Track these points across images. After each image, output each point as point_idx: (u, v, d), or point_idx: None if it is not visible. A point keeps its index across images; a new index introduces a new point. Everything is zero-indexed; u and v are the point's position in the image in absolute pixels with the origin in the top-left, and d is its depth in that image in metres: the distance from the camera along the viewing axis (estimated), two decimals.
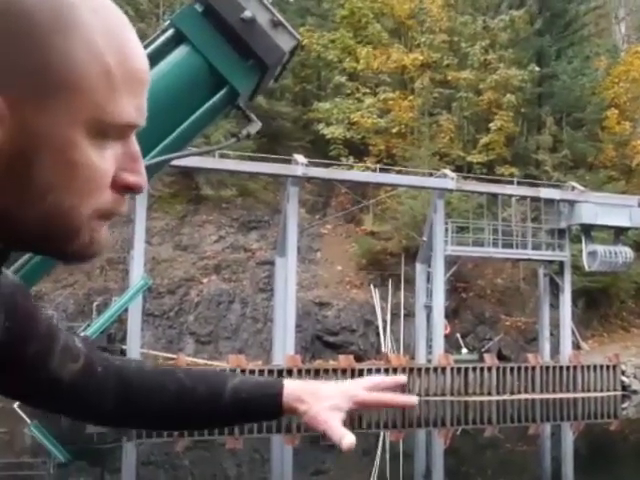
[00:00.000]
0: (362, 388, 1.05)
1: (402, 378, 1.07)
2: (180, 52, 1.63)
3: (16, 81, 0.55)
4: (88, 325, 21.90)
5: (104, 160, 0.60)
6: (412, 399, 1.05)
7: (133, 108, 0.60)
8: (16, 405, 19.05)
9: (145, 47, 1.71)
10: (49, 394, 0.91)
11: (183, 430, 1.12)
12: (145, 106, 0.62)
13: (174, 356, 23.02)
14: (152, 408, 0.99)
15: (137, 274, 22.19)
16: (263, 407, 1.02)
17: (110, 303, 22.99)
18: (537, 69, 33.39)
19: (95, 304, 23.87)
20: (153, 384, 0.99)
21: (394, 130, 32.00)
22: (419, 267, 26.37)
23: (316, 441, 18.52)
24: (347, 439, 1.01)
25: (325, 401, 1.02)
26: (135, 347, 22.00)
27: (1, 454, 15.30)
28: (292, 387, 1.03)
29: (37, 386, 0.89)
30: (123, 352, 22.06)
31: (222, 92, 1.65)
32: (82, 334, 21.24)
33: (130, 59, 0.60)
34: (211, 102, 1.64)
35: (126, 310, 22.15)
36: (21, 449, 16.41)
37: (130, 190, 0.63)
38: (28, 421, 18.65)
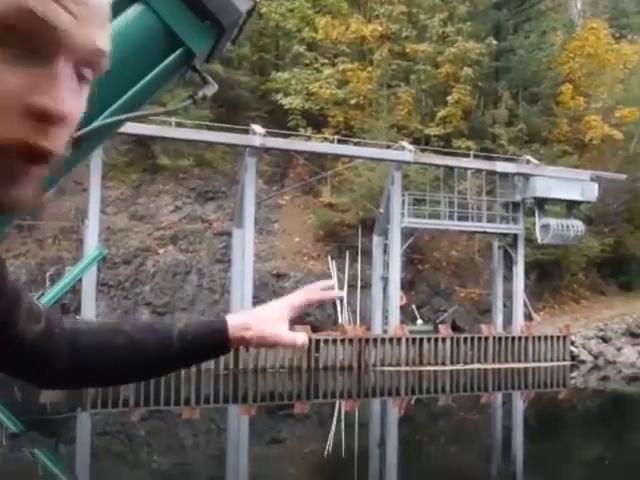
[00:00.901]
0: (297, 296, 1.12)
1: (331, 281, 1.20)
2: (134, 11, 1.58)
3: None
4: (41, 295, 21.55)
5: (12, 81, 0.52)
6: (337, 293, 1.19)
7: (43, 5, 0.51)
8: None
9: None
10: (11, 354, 0.91)
11: (134, 382, 1.13)
12: (83, 25, 0.54)
13: None
14: (104, 365, 1.01)
15: (92, 244, 21.88)
16: (212, 344, 1.05)
17: (63, 273, 22.66)
18: (495, 43, 33.58)
19: (48, 274, 23.50)
20: (102, 341, 1.00)
21: (352, 101, 31.93)
22: (376, 239, 26.55)
23: (272, 411, 18.68)
24: (299, 338, 1.08)
25: (267, 320, 1.07)
26: (90, 318, 21.74)
27: None
28: (236, 319, 1.07)
29: (1, 345, 0.89)
30: None
31: (177, 53, 1.62)
32: None
33: None
34: (166, 63, 1.60)
35: (80, 280, 21.86)
36: None
37: (46, 117, 0.53)
38: None
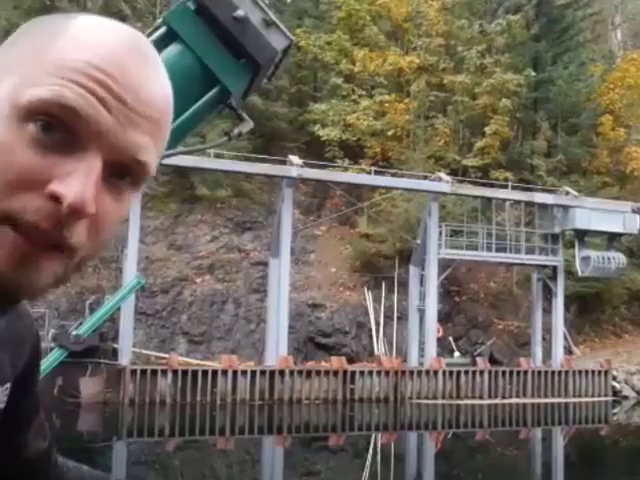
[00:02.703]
0: None
1: None
2: (172, 50, 1.63)
3: None
4: (80, 324, 21.82)
5: (36, 159, 0.54)
6: None
7: (72, 92, 0.54)
8: None
9: None
10: (9, 463, 0.85)
11: None
12: (127, 130, 0.56)
13: (166, 355, 22.97)
14: None
15: (130, 273, 22.13)
16: None
17: (103, 302, 22.93)
18: (533, 74, 33.49)
19: (88, 302, 23.80)
20: None
21: (389, 133, 32.04)
22: (412, 270, 26.38)
23: (307, 443, 18.53)
24: None
25: None
26: (127, 346, 21.94)
27: None
28: None
29: (6, 449, 0.83)
30: (115, 351, 22.01)
31: (214, 91, 1.65)
32: (74, 333, 21.19)
33: (101, 51, 0.57)
34: (202, 101, 1.64)
35: (119, 309, 22.08)
36: None
37: (58, 202, 0.54)
38: None
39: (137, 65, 0.58)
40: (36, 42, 0.57)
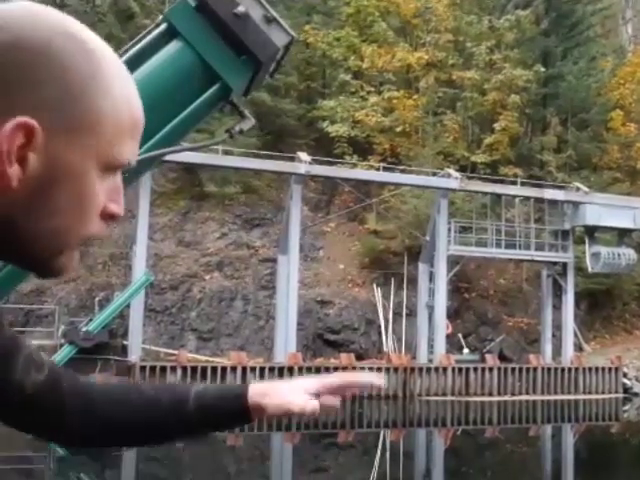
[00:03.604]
0: (334, 377, 1.11)
1: (378, 381, 1.12)
2: (173, 47, 1.61)
3: (54, 116, 0.64)
4: (90, 320, 21.92)
5: (101, 191, 0.69)
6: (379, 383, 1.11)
7: (132, 150, 0.70)
8: None
9: (138, 41, 1.69)
10: (8, 403, 0.91)
11: (151, 444, 1.10)
12: (137, 148, 0.72)
13: (175, 352, 23.04)
14: (118, 423, 0.99)
15: (139, 270, 22.20)
16: (229, 410, 1.02)
17: (112, 298, 23.02)
18: (542, 69, 33.31)
19: (97, 299, 23.90)
20: (118, 398, 1.00)
21: (398, 129, 31.96)
22: (422, 267, 26.34)
23: (316, 440, 18.54)
24: (310, 404, 1.03)
25: (285, 389, 1.05)
26: (137, 343, 22.03)
27: (1, 447, 15.32)
28: (257, 387, 1.04)
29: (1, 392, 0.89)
30: (125, 348, 22.10)
31: (215, 87, 1.64)
32: (84, 329, 21.29)
33: (134, 108, 0.70)
34: (204, 97, 1.62)
35: (128, 306, 22.17)
36: (21, 443, 16.43)
37: (113, 219, 0.71)
38: None
39: (136, 92, 0.72)
40: (93, 94, 0.67)
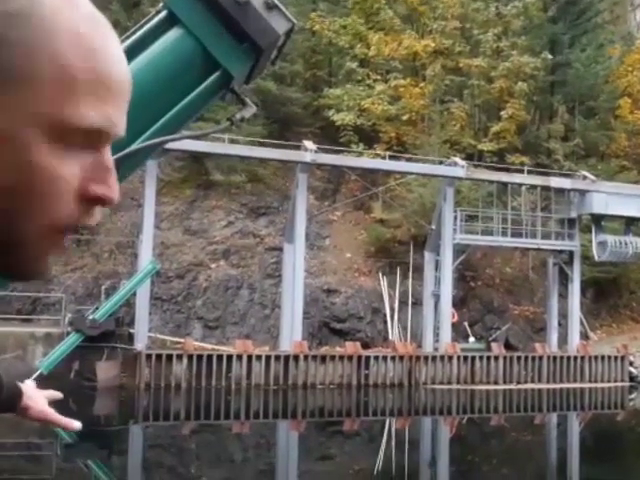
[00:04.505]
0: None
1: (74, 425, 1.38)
2: (173, 34, 1.60)
3: None
4: (96, 308, 21.99)
5: (66, 167, 0.55)
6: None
7: (99, 115, 0.56)
8: None
9: (138, 29, 1.69)
10: None
11: None
12: (121, 116, 0.58)
13: (181, 340, 23.12)
14: None
15: (146, 258, 22.25)
16: (6, 404, 1.26)
17: (119, 287, 23.08)
18: (550, 57, 33.10)
19: (104, 287, 23.97)
20: None
21: (405, 117, 31.85)
22: (428, 255, 26.32)
23: (322, 427, 18.62)
24: (75, 423, 1.35)
25: (41, 400, 1.33)
26: (143, 331, 22.11)
27: (9, 435, 15.43)
28: (27, 392, 1.30)
29: None
30: (131, 336, 22.19)
31: (216, 75, 1.63)
32: (90, 317, 21.37)
33: (102, 66, 0.56)
34: (204, 85, 1.61)
35: (134, 294, 22.23)
36: (28, 430, 16.54)
37: (98, 202, 0.58)
38: None
39: (116, 53, 0.58)
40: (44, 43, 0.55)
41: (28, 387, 1.32)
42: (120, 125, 0.58)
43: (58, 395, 1.45)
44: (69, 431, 1.42)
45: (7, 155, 0.53)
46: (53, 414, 1.33)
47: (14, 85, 0.53)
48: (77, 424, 1.35)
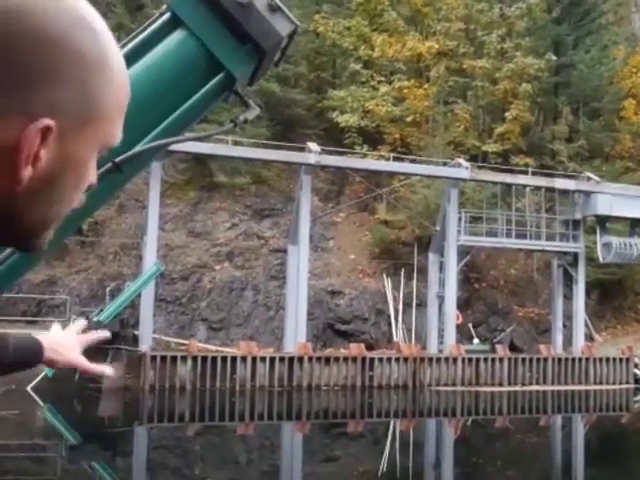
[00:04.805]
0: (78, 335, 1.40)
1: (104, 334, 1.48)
2: (176, 36, 1.61)
3: (67, 109, 0.62)
4: (101, 310, 22.03)
5: (92, 168, 0.68)
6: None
7: (120, 133, 0.69)
8: (29, 388, 19.26)
9: (142, 31, 1.69)
10: None
11: None
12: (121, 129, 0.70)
13: (186, 342, 23.14)
14: None
15: (150, 260, 22.27)
16: (29, 361, 1.30)
17: (123, 288, 23.12)
18: (554, 58, 33.07)
19: (108, 289, 24.01)
20: None
21: (409, 119, 31.85)
22: (432, 257, 26.30)
23: (326, 429, 18.60)
24: (107, 369, 1.43)
25: (71, 349, 1.34)
26: (147, 332, 22.13)
27: (14, 436, 15.47)
28: (49, 344, 1.31)
29: None
30: (135, 337, 22.21)
31: (219, 77, 1.63)
32: (95, 319, 21.40)
33: (128, 91, 0.68)
34: (207, 87, 1.62)
35: (139, 296, 22.26)
36: (34, 431, 16.59)
37: (89, 189, 0.70)
38: (41, 404, 18.84)
39: (124, 64, 0.68)
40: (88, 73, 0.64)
41: (52, 338, 1.33)
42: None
43: (104, 335, 1.47)
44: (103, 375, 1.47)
45: (75, 171, 0.66)
46: (82, 364, 1.36)
47: (94, 122, 0.65)
48: (109, 370, 1.41)
